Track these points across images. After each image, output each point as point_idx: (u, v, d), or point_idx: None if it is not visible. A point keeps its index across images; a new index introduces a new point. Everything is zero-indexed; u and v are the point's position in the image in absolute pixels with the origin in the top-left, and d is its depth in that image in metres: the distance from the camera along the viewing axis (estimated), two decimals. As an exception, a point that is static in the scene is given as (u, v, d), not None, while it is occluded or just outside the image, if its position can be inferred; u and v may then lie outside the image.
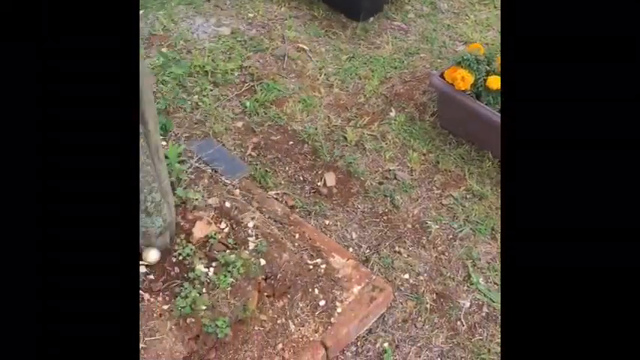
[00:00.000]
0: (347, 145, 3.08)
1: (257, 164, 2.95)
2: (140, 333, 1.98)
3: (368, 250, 2.64)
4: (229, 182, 2.69)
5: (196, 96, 3.23)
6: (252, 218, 2.37)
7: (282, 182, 2.90)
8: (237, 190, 2.64)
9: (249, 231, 2.33)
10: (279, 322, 2.25)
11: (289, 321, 2.26)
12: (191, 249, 2.20)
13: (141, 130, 1.90)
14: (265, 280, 2.26)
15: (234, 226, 2.34)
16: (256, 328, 2.22)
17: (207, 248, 2.24)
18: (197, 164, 2.67)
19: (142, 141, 1.95)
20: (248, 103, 3.22)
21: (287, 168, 2.98)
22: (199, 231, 2.27)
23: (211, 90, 3.28)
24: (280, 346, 2.20)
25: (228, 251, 2.22)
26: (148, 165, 2.01)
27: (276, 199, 2.76)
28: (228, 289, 2.13)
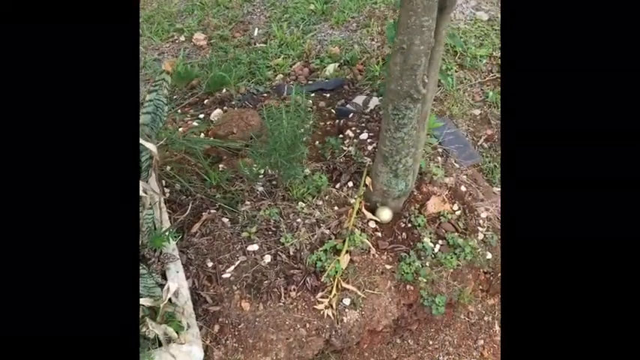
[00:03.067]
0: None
1: (487, 157, 2.88)
2: (361, 282, 2.07)
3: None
4: (459, 167, 2.67)
5: (441, 74, 3.21)
6: (487, 209, 2.33)
7: (509, 182, 2.80)
8: (464, 177, 2.61)
9: (481, 221, 2.29)
10: (485, 318, 2.22)
11: (495, 321, 2.21)
12: (422, 221, 2.22)
13: (419, 97, 1.94)
14: (485, 274, 2.22)
15: (466, 211, 2.32)
16: (462, 316, 2.21)
17: (437, 225, 2.25)
18: (437, 141, 2.67)
19: (419, 105, 1.99)
20: (490, 94, 3.14)
21: (516, 169, 2.87)
22: (433, 206, 2.28)
23: (456, 71, 3.25)
24: (481, 342, 2.17)
25: (456, 234, 2.21)
26: (414, 129, 2.05)
27: (500, 196, 2.68)
28: (451, 270, 2.13)
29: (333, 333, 1.98)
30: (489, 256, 2.21)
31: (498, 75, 3.26)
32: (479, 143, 2.95)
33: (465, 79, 3.24)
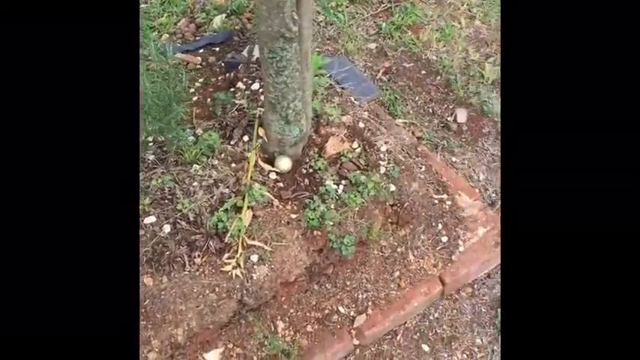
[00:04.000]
0: (483, 83, 2.90)
1: (387, 89, 2.84)
2: (267, 236, 2.01)
3: (494, 195, 2.51)
4: (357, 103, 2.62)
5: (331, 11, 3.12)
6: (386, 142, 2.30)
7: (411, 112, 2.79)
8: (366, 113, 2.56)
9: (382, 155, 2.26)
10: (398, 250, 2.22)
11: (409, 251, 2.22)
12: (323, 164, 2.17)
13: (292, 35, 1.84)
14: (392, 206, 2.21)
15: (366, 147, 2.28)
16: (376, 252, 2.21)
17: (338, 165, 2.21)
18: (330, 81, 2.60)
19: (295, 45, 1.90)
20: (384, 25, 3.08)
21: (417, 98, 2.85)
22: (332, 147, 2.23)
23: (347, 7, 3.16)
24: (397, 274, 2.18)
25: (358, 172, 2.18)
26: (296, 71, 1.96)
27: (403, 127, 2.67)
28: (357, 209, 2.10)
29: (245, 292, 1.93)
30: (393, 188, 2.19)
31: (389, 5, 3.19)
32: (377, 77, 2.90)
33: (357, 13, 3.16)
